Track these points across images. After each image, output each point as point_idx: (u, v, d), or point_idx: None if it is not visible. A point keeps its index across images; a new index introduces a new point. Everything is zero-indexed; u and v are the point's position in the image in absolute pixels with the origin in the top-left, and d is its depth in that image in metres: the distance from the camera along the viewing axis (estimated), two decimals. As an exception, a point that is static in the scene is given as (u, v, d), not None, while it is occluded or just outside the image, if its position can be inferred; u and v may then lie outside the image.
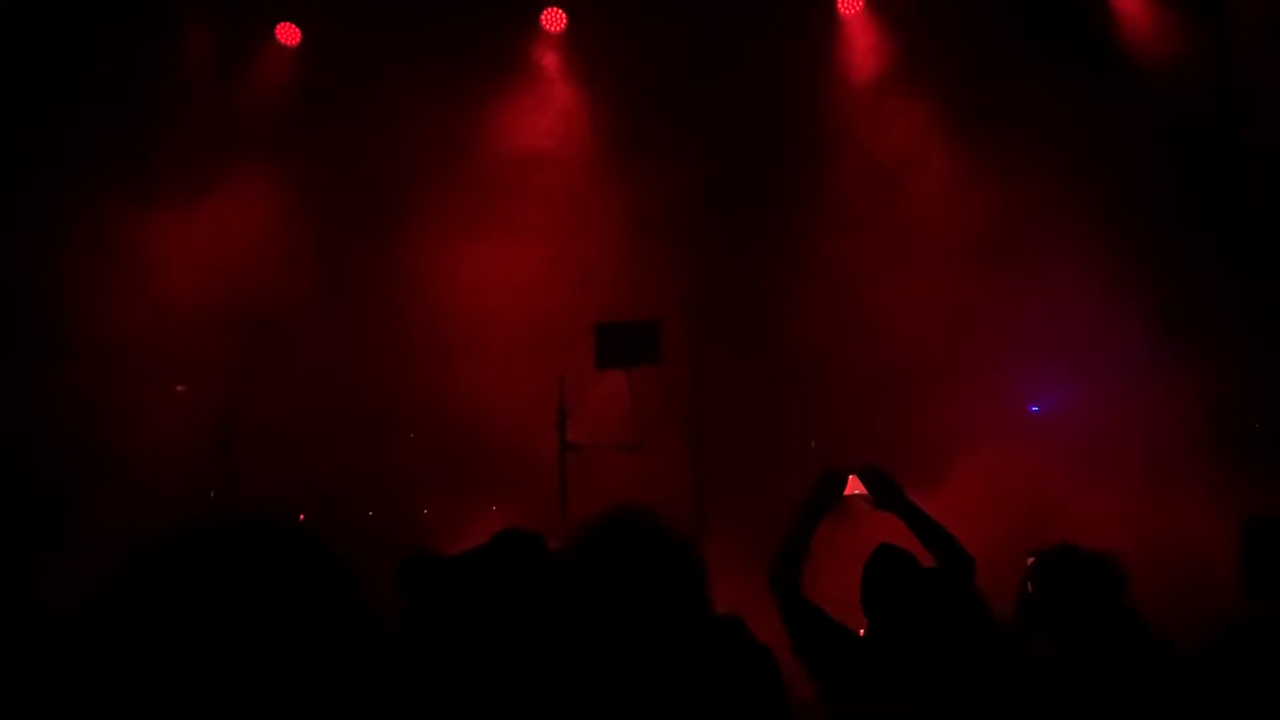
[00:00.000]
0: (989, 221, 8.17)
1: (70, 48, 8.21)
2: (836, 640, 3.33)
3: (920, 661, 3.11)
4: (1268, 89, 8.21)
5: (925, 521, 3.33)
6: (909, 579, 3.26)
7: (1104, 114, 8.26)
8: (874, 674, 3.17)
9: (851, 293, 8.26)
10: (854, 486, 3.41)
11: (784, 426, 8.49)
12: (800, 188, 8.70)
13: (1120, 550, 3.42)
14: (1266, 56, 8.22)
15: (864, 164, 8.69)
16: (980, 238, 8.21)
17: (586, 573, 2.28)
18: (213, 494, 8.72)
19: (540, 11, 9.17)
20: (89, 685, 1.30)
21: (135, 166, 8.46)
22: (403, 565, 4.26)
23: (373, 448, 8.41)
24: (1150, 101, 8.33)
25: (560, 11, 9.17)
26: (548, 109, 9.18)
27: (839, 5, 9.05)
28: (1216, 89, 8.42)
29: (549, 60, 9.24)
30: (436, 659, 3.24)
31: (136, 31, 8.53)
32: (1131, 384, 7.69)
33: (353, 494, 8.33)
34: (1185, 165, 8.26)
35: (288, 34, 9.20)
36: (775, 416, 8.54)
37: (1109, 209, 8.00)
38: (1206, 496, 6.95)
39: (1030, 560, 4.02)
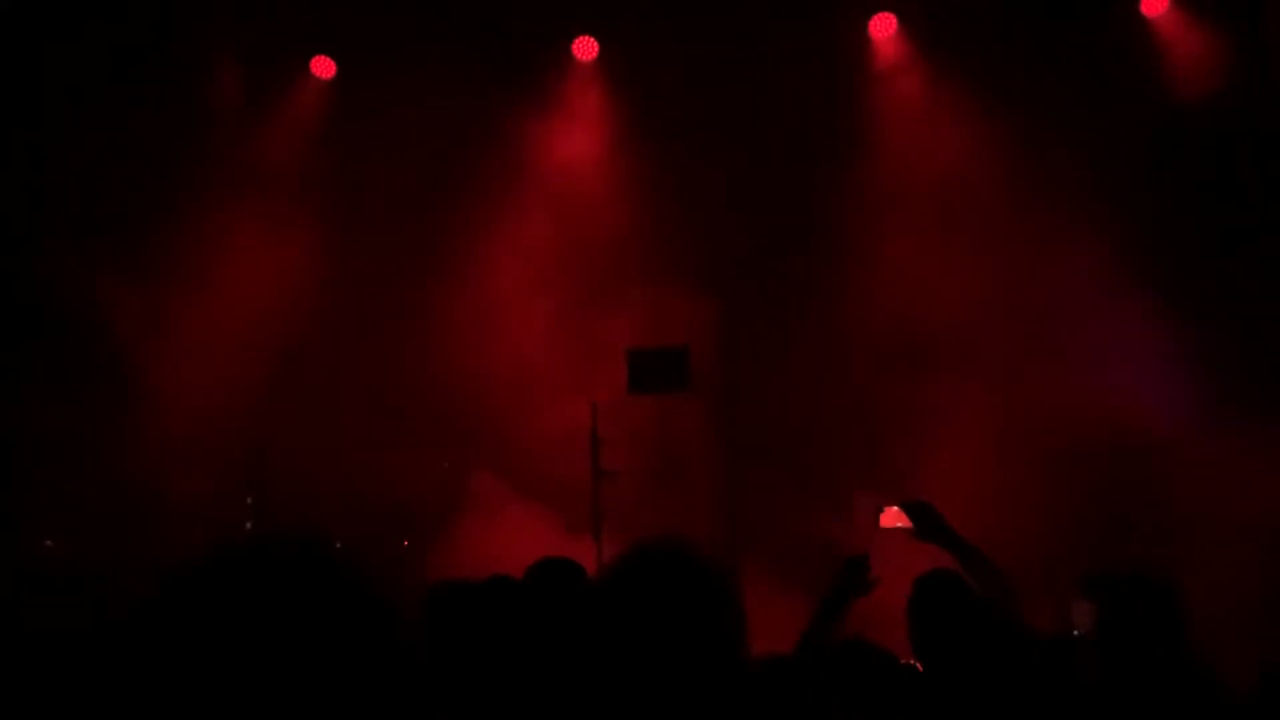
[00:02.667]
0: (1026, 233, 8.14)
1: (103, 85, 8.33)
2: (885, 674, 3.24)
3: (971, 693, 3.02)
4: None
5: (969, 552, 3.24)
6: (961, 607, 3.17)
7: (1136, 121, 8.26)
8: (924, 706, 3.09)
9: (885, 319, 8.22)
10: (896, 519, 3.34)
11: (817, 454, 8.41)
12: (833, 213, 8.64)
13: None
14: None
15: (896, 190, 8.62)
16: (1019, 251, 8.17)
17: (620, 605, 2.22)
18: (249, 525, 8.76)
19: (572, 40, 9.20)
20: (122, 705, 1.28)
21: (168, 200, 8.54)
22: (435, 593, 4.22)
23: (407, 476, 8.40)
24: (1183, 107, 8.31)
25: (592, 40, 9.20)
26: (579, 137, 9.20)
27: (870, 29, 9.02)
28: (1249, 93, 8.33)
29: (581, 88, 9.27)
30: (466, 689, 3.20)
31: (170, 67, 8.63)
32: (1157, 382, 7.69)
33: (386, 522, 8.32)
34: (1220, 171, 8.18)
35: (322, 67, 9.29)
36: (808, 443, 8.46)
37: (1143, 216, 7.98)
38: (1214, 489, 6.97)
39: (1081, 583, 3.89)
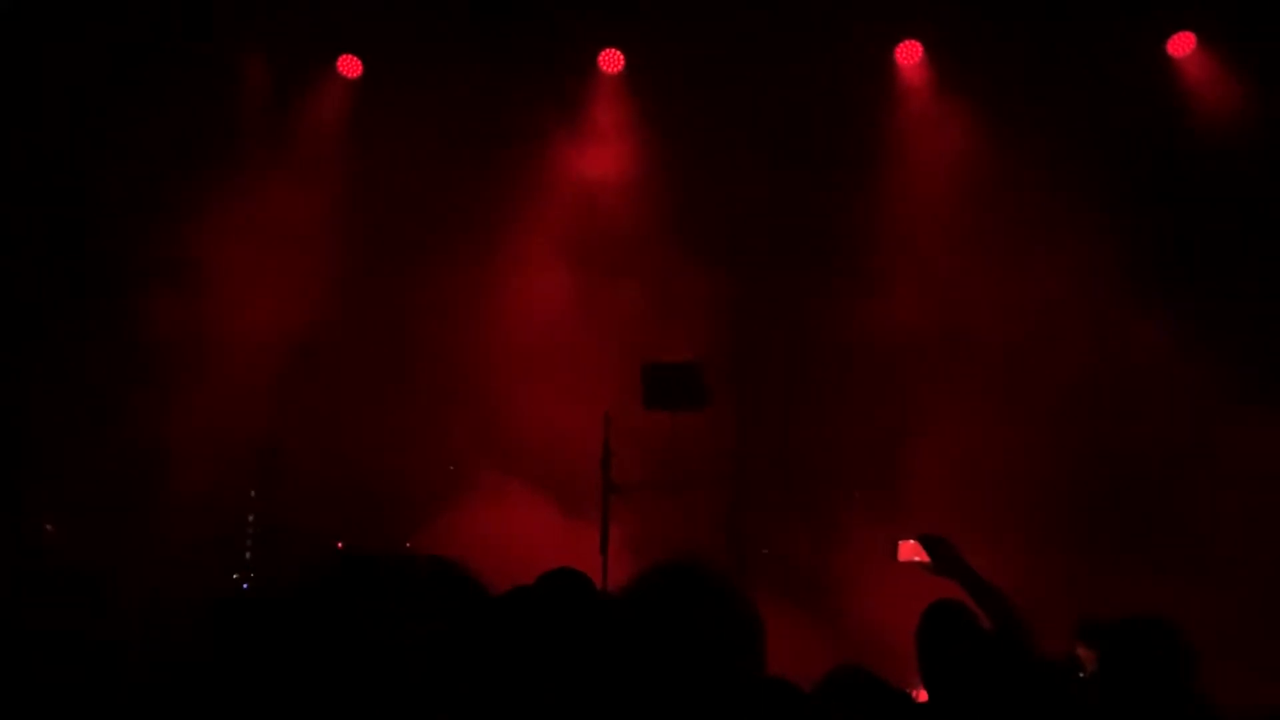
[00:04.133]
0: (1043, 249, 8.16)
1: (129, 84, 8.38)
2: (883, 701, 3.22)
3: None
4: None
5: (984, 587, 3.24)
6: (969, 640, 3.16)
7: (1156, 153, 8.31)
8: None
9: (894, 337, 8.23)
10: (912, 553, 3.33)
11: (826, 470, 8.41)
12: (849, 230, 8.66)
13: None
14: None
15: (913, 205, 8.68)
16: (1035, 267, 8.19)
17: (641, 625, 2.22)
18: (251, 518, 8.76)
19: (598, 53, 9.23)
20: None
21: (193, 194, 8.55)
22: (435, 599, 4.20)
23: (413, 477, 8.40)
24: (1203, 140, 8.34)
25: (618, 53, 9.23)
26: (601, 148, 9.23)
27: (896, 54, 9.04)
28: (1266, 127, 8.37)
29: (604, 100, 9.30)
30: (472, 698, 3.19)
31: (197, 66, 8.67)
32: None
33: (391, 524, 8.32)
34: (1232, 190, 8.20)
35: (349, 66, 9.31)
36: (818, 460, 8.47)
37: (1160, 233, 8.02)
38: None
39: (1080, 631, 3.89)
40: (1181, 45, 8.66)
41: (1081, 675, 3.70)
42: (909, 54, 9.03)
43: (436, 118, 8.76)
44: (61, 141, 8.35)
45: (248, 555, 8.78)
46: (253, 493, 8.88)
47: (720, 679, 2.12)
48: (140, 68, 8.43)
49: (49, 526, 8.06)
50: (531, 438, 8.23)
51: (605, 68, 9.29)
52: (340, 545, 8.75)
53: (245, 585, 8.68)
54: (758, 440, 8.73)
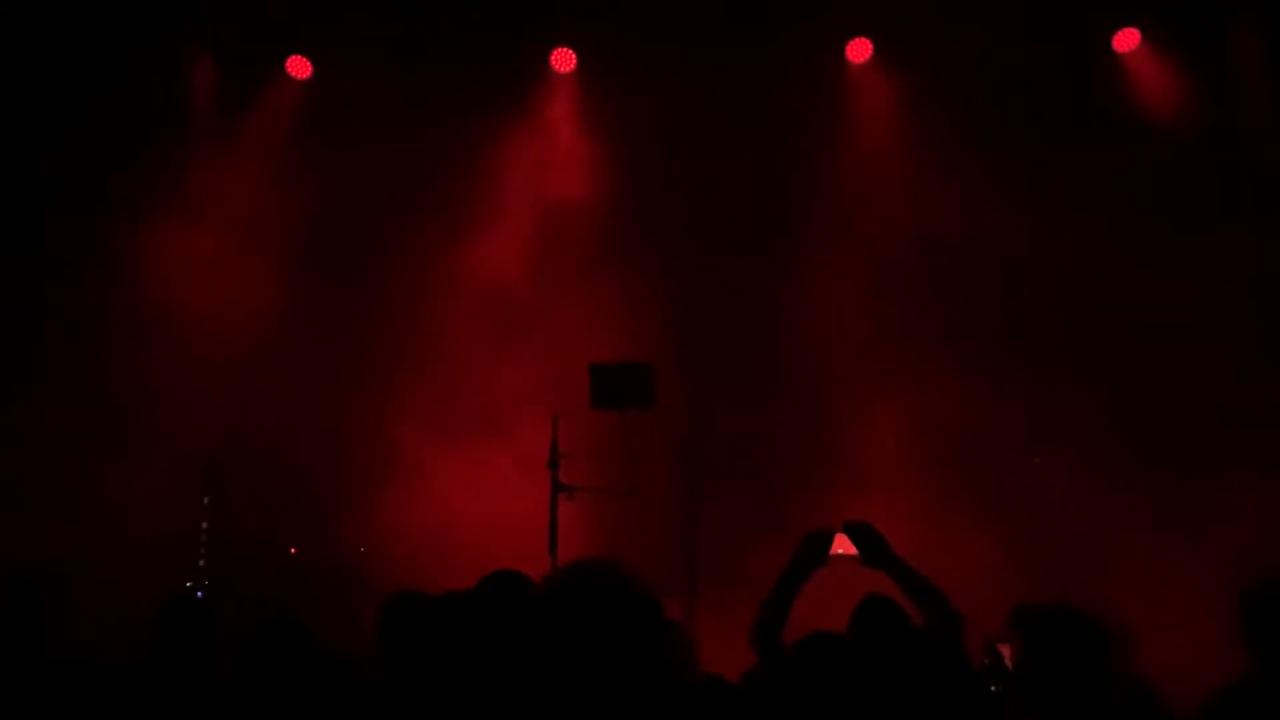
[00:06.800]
0: (988, 261, 8.22)
1: (79, 85, 8.28)
2: (812, 694, 3.24)
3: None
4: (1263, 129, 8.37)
5: (914, 578, 3.26)
6: (898, 636, 3.18)
7: (1106, 153, 8.37)
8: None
9: (850, 336, 8.29)
10: (842, 545, 3.34)
11: (782, 473, 8.43)
12: (802, 230, 8.70)
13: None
14: (1261, 96, 8.40)
15: (863, 209, 8.70)
16: (980, 278, 8.25)
17: (549, 630, 2.25)
18: (205, 525, 8.68)
19: (549, 52, 9.21)
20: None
21: (138, 200, 8.46)
22: (386, 605, 4.19)
23: (362, 481, 8.36)
24: (1152, 140, 8.45)
25: (569, 52, 9.22)
26: (553, 148, 9.21)
27: (848, 52, 9.09)
28: (1215, 128, 8.46)
29: (556, 100, 9.28)
30: (416, 701, 3.20)
31: (146, 67, 8.57)
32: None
33: (341, 531, 8.27)
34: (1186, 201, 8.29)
35: (298, 67, 9.24)
36: (774, 463, 8.49)
37: (1114, 245, 8.07)
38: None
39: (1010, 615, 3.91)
40: (1126, 41, 8.78)
41: (998, 670, 3.72)
42: (859, 51, 9.09)
43: (386, 119, 8.72)
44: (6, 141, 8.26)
45: (201, 562, 8.71)
46: (206, 499, 8.80)
47: (634, 679, 2.14)
48: (87, 68, 8.34)
49: None
50: (484, 435, 8.22)
51: (557, 67, 9.28)
52: (294, 551, 8.71)
53: (200, 592, 8.61)
54: (709, 437, 8.75)
